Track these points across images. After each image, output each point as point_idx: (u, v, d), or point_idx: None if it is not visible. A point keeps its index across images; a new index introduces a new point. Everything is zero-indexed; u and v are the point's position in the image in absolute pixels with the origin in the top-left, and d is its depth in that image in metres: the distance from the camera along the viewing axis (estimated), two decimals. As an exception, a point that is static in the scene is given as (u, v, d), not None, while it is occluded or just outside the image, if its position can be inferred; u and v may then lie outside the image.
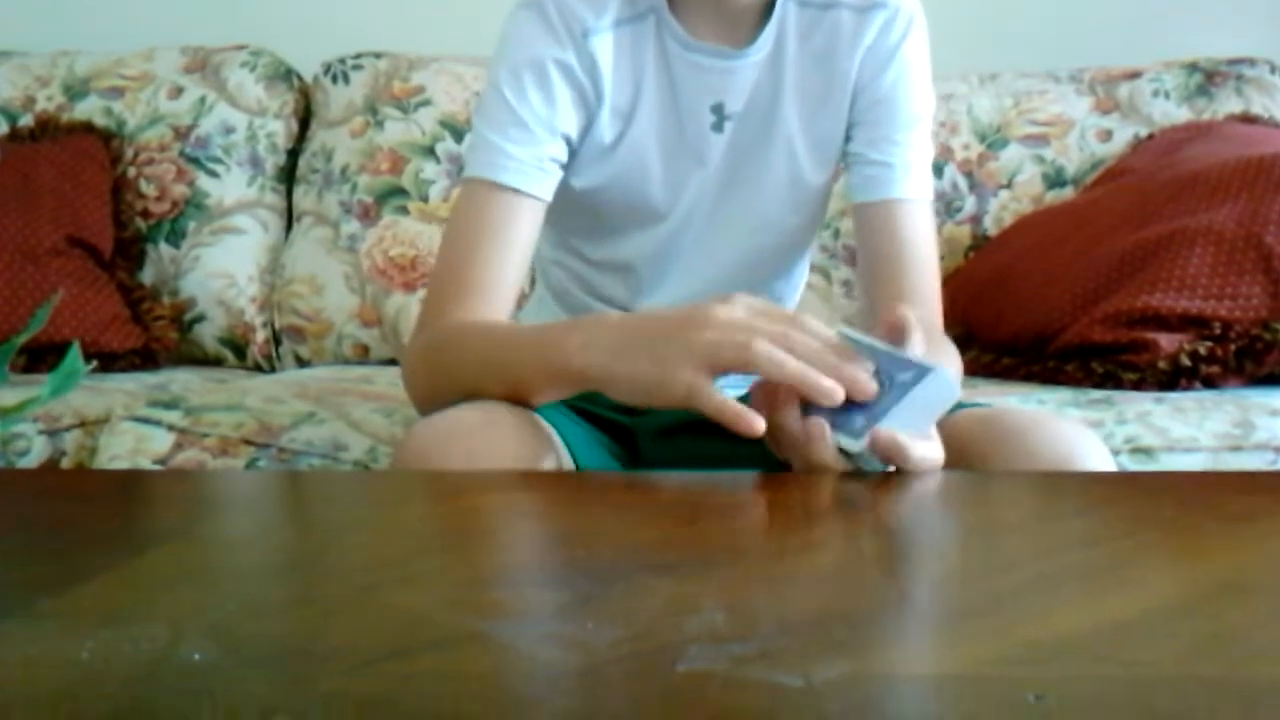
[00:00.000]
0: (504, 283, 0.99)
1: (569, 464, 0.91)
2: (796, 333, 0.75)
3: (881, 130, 1.06)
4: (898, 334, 0.80)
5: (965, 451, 0.85)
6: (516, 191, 0.99)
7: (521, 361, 0.89)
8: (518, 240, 0.99)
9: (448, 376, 0.94)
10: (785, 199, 1.10)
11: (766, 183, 1.09)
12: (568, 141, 1.02)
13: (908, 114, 1.06)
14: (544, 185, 1.01)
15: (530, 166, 1.00)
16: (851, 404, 0.73)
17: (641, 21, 1.04)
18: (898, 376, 0.73)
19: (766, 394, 0.77)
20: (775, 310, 0.78)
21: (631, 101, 1.04)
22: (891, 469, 0.74)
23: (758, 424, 0.73)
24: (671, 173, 1.07)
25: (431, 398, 0.94)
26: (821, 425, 0.72)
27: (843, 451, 0.73)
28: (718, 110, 1.06)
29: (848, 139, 1.08)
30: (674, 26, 1.03)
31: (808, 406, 0.74)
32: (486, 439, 0.84)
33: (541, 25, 1.01)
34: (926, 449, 0.74)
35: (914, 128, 1.07)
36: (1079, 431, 0.89)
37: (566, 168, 1.04)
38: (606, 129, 1.04)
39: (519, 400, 0.89)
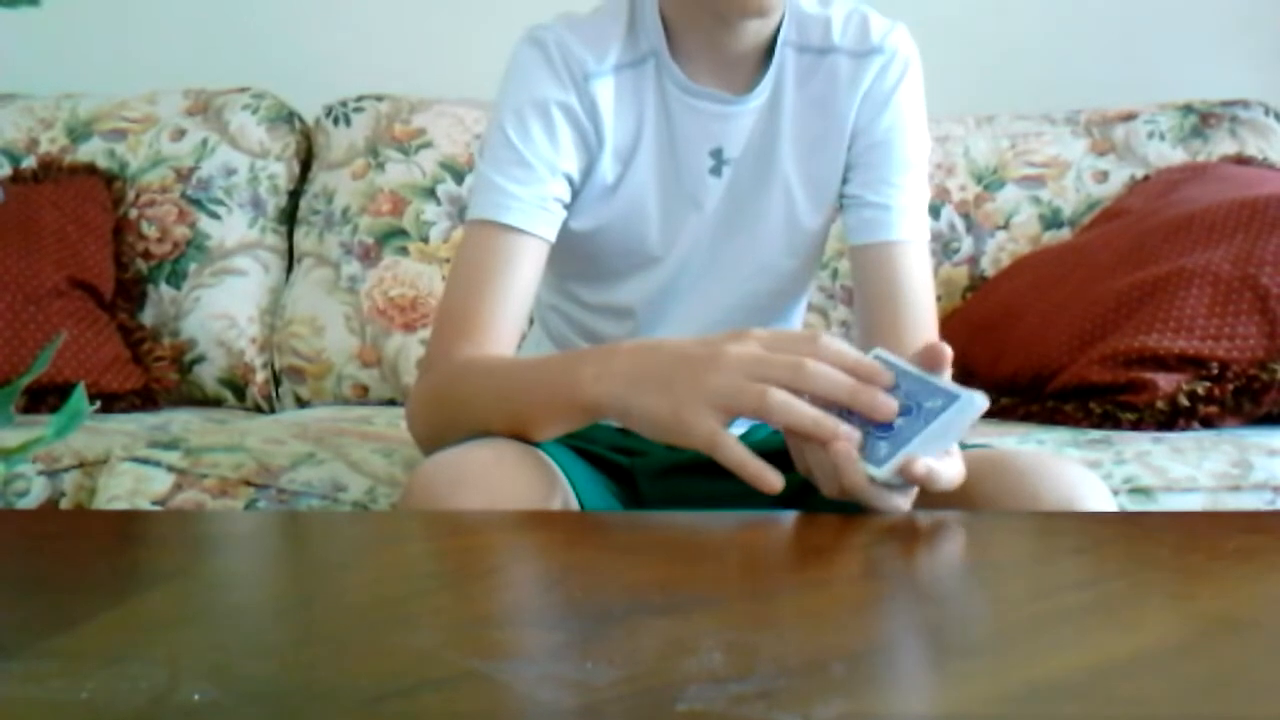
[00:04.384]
0: (508, 321, 0.99)
1: (574, 503, 0.91)
2: (812, 364, 0.74)
3: (878, 173, 1.07)
4: (933, 362, 0.79)
5: (969, 493, 0.85)
6: (520, 231, 1.00)
7: (528, 395, 0.89)
8: (521, 280, 1.00)
9: (452, 414, 0.94)
10: (782, 242, 1.11)
11: (763, 226, 1.09)
12: (570, 182, 1.03)
13: (904, 157, 1.07)
14: (547, 225, 1.01)
15: (533, 206, 1.00)
16: (877, 428, 0.73)
17: (642, 65, 1.05)
18: (925, 403, 0.73)
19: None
20: (790, 339, 0.77)
21: (631, 145, 1.05)
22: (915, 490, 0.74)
23: (777, 483, 0.73)
24: (669, 216, 1.08)
25: (436, 436, 0.95)
26: (850, 452, 0.72)
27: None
28: (716, 155, 1.07)
29: (844, 181, 1.09)
30: (674, 71, 1.04)
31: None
32: (494, 478, 0.84)
33: (545, 66, 1.02)
34: (953, 472, 0.74)
35: (910, 170, 1.08)
36: (1082, 474, 0.89)
37: (568, 209, 1.04)
38: (607, 171, 1.05)
39: (524, 435, 0.89)
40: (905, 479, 0.72)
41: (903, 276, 1.06)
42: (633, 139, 1.05)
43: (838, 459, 0.73)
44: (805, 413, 0.73)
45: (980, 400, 0.74)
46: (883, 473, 0.72)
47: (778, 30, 1.05)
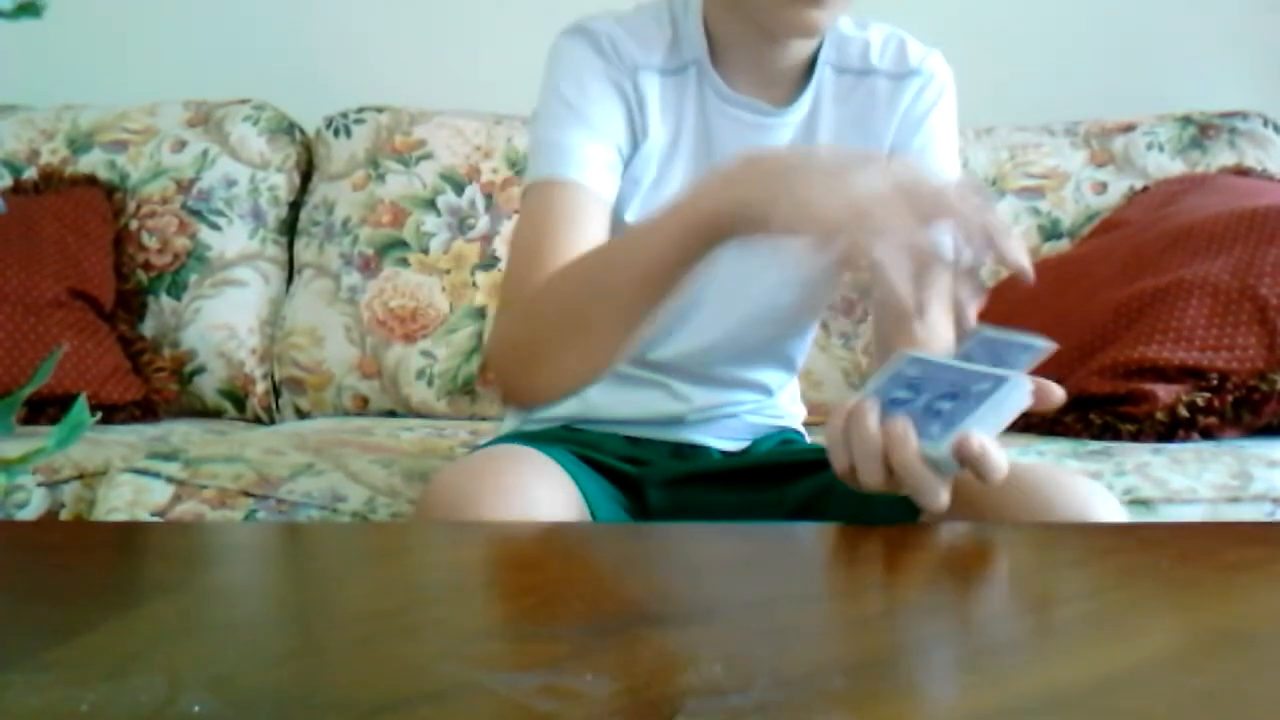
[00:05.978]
0: None
1: (586, 513, 0.91)
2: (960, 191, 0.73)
3: None
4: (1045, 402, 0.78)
5: (980, 507, 0.85)
6: (582, 186, 0.97)
7: (659, 230, 0.82)
8: (587, 232, 0.96)
9: (565, 318, 0.87)
10: None
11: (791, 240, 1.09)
12: (620, 155, 1.01)
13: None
14: (608, 185, 0.99)
15: (594, 164, 0.98)
16: (929, 412, 0.72)
17: (683, 74, 1.05)
18: (973, 387, 0.73)
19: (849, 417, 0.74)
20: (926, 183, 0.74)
21: (669, 149, 1.05)
22: (964, 472, 0.72)
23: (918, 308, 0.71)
24: None
25: (545, 360, 0.88)
26: (906, 427, 0.71)
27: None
28: None
29: None
30: (715, 80, 1.04)
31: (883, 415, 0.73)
32: (510, 487, 0.84)
33: (596, 50, 1.02)
34: (1004, 458, 0.72)
35: None
36: (1093, 488, 0.89)
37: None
38: (651, 168, 1.04)
39: (659, 287, 0.83)
40: (960, 457, 0.70)
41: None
42: (670, 143, 1.05)
43: (893, 434, 0.71)
44: (989, 219, 0.72)
45: (1026, 382, 0.74)
46: (940, 450, 0.70)
47: (818, 49, 1.06)
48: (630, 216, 1.05)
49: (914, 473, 0.71)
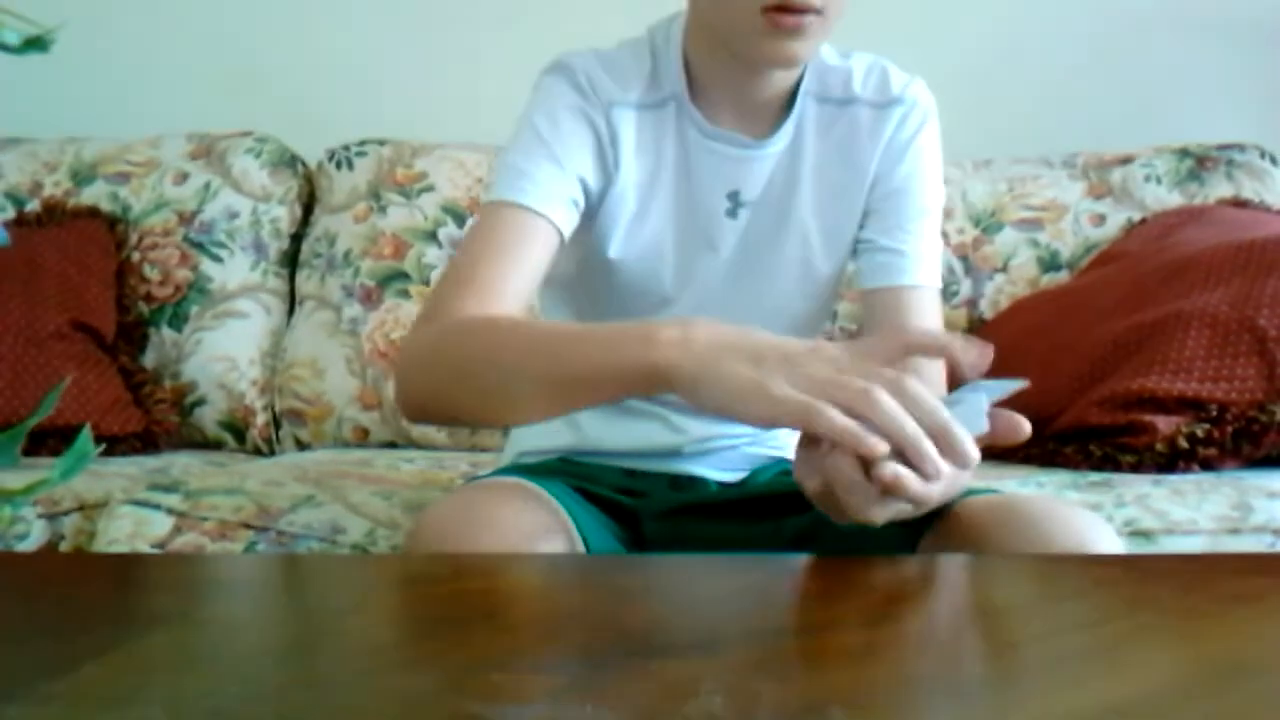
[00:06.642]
0: (517, 295, 0.96)
1: (579, 545, 0.91)
2: (911, 386, 0.71)
3: (894, 219, 1.08)
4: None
5: (980, 539, 0.85)
6: (537, 214, 0.98)
7: (582, 353, 0.81)
8: (533, 258, 0.97)
9: (463, 369, 0.87)
10: (796, 287, 1.11)
11: (779, 270, 1.10)
12: (585, 191, 1.02)
13: (919, 205, 1.08)
14: (563, 217, 1.00)
15: (553, 194, 0.99)
16: None
17: (663, 108, 1.06)
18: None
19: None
20: (886, 369, 0.73)
21: (649, 183, 1.06)
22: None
23: (881, 447, 0.69)
24: (683, 256, 1.08)
25: (435, 394, 0.89)
26: (900, 475, 0.69)
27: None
28: (733, 197, 1.07)
29: (860, 227, 1.10)
30: (694, 114, 1.05)
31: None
32: (501, 520, 0.84)
33: (572, 85, 1.03)
34: (916, 482, 0.71)
35: (925, 218, 1.09)
36: (1091, 520, 0.89)
37: (589, 229, 1.04)
38: (629, 202, 1.05)
39: (563, 399, 0.83)
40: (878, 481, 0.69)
41: (917, 321, 1.06)
42: (650, 178, 1.06)
43: (885, 479, 0.69)
44: (910, 425, 0.69)
45: (983, 405, 0.75)
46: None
47: (799, 80, 1.07)
48: (614, 253, 1.06)
49: (846, 475, 0.70)
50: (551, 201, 0.98)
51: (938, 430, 0.70)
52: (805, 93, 1.07)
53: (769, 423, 0.72)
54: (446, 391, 0.87)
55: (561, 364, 0.82)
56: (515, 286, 0.95)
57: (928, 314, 1.07)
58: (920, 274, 1.07)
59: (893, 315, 1.06)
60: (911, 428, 0.69)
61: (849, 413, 0.69)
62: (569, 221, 1.00)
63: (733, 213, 1.08)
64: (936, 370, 1.00)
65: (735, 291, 1.10)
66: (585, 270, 1.08)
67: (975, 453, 0.71)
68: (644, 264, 1.07)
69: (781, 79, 1.05)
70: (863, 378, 0.71)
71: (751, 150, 1.06)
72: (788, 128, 1.07)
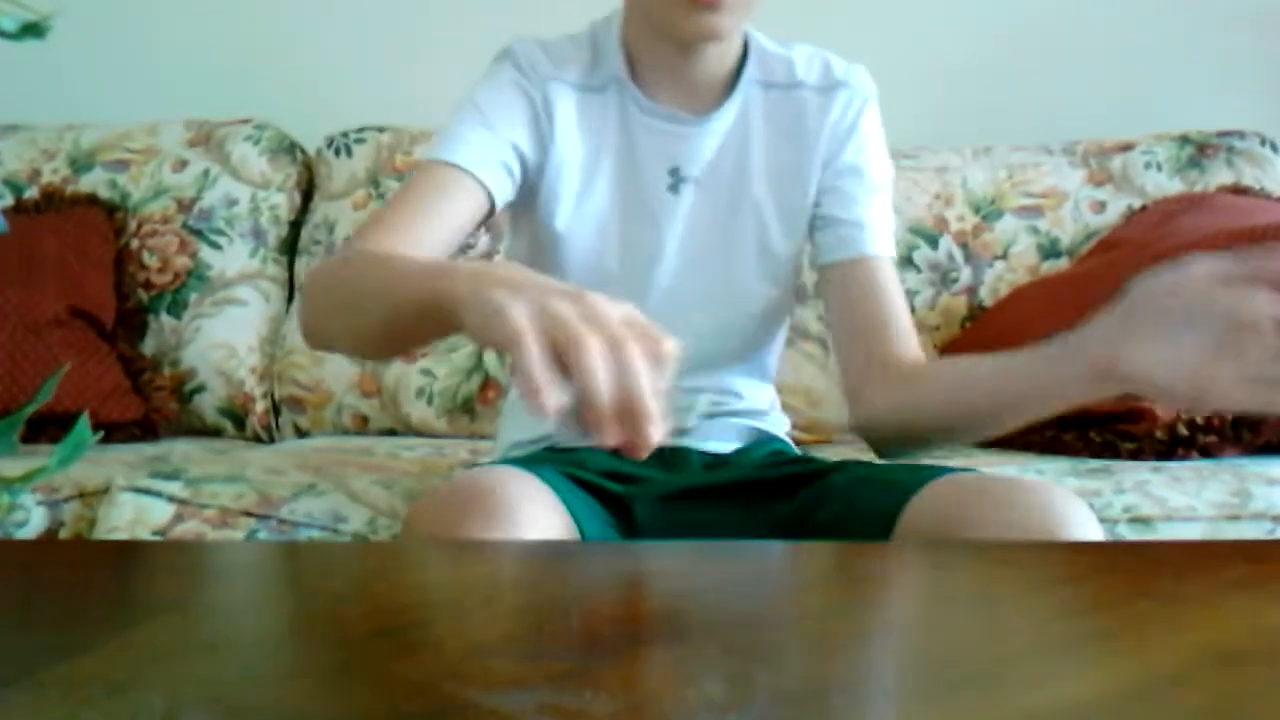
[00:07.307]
0: (432, 243, 0.99)
1: (575, 532, 0.91)
2: (630, 352, 0.63)
3: (849, 194, 1.13)
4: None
5: (954, 518, 0.86)
6: (463, 170, 1.03)
7: (402, 283, 0.80)
8: (453, 212, 1.02)
9: (338, 298, 0.89)
10: (755, 268, 1.15)
11: (736, 250, 1.14)
12: (520, 158, 1.07)
13: (871, 180, 1.14)
14: (494, 179, 1.04)
15: (484, 157, 1.04)
16: None
17: (605, 91, 1.11)
18: None
19: None
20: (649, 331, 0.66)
21: (592, 161, 1.10)
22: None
23: (550, 404, 0.62)
24: (628, 234, 1.12)
25: (319, 321, 0.93)
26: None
27: None
28: (674, 173, 1.11)
29: (816, 204, 1.14)
30: (634, 93, 1.11)
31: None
32: (497, 507, 0.84)
33: (513, 64, 1.10)
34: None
35: (878, 193, 1.14)
36: (1068, 500, 0.89)
37: (533, 203, 1.09)
38: (572, 179, 1.10)
39: (391, 337, 0.84)
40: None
41: (884, 287, 1.10)
42: (593, 156, 1.11)
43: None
44: (592, 387, 0.62)
45: None
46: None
47: (741, 65, 1.12)
48: (560, 225, 1.11)
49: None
50: (482, 164, 1.03)
51: (628, 400, 0.62)
52: (748, 78, 1.12)
53: (485, 341, 0.68)
54: (327, 322, 0.92)
55: (389, 292, 0.82)
56: (434, 237, 0.99)
57: (889, 281, 1.11)
58: (878, 244, 1.12)
59: (862, 284, 1.11)
60: (597, 388, 0.62)
61: (563, 355, 0.63)
62: (500, 184, 1.05)
63: (674, 188, 1.12)
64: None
65: (691, 272, 1.13)
66: (536, 249, 1.12)
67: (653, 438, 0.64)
68: (590, 240, 1.11)
69: (717, 59, 1.10)
70: (607, 328, 0.64)
71: (691, 127, 1.11)
72: (730, 107, 1.12)
